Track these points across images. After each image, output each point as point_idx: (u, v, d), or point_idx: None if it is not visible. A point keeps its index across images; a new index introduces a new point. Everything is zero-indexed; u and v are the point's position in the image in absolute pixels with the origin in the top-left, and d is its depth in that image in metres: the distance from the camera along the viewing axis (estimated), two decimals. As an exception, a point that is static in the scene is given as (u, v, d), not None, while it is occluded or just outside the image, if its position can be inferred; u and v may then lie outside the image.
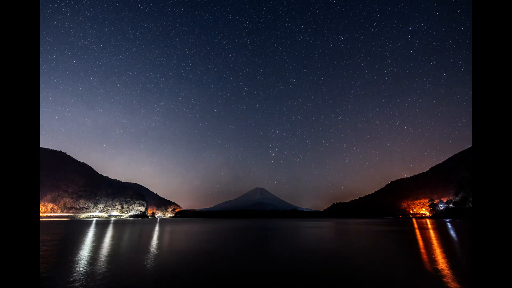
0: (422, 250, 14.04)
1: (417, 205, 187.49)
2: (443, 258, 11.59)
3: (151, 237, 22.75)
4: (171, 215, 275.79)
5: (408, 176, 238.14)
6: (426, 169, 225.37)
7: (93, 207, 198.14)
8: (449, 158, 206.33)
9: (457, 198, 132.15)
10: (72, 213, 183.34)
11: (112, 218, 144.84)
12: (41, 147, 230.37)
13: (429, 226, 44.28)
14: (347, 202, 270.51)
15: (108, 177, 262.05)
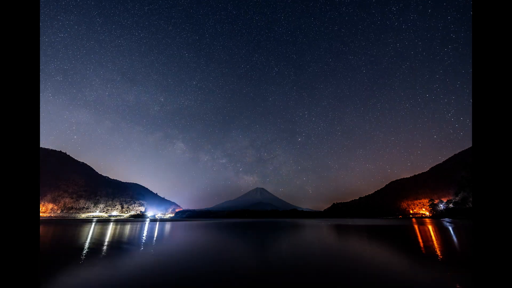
0: (422, 250, 14.03)
1: (417, 205, 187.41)
2: (443, 258, 11.59)
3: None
4: (171, 215, 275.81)
5: (408, 176, 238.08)
6: (426, 169, 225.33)
7: (93, 207, 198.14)
8: (449, 158, 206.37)
9: (457, 198, 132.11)
10: (72, 213, 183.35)
11: (112, 218, 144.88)
12: (41, 147, 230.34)
13: (429, 226, 44.29)
14: (347, 202, 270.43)
15: (108, 177, 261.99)
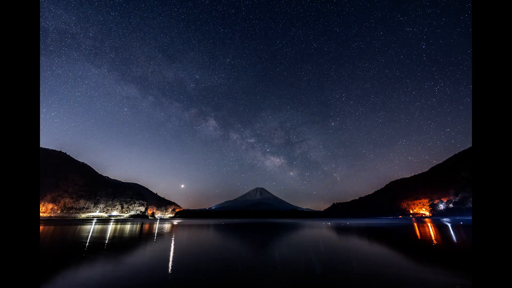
0: (422, 250, 14.03)
1: (417, 205, 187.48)
2: (442, 258, 11.59)
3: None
4: (171, 215, 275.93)
5: (408, 176, 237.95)
6: (426, 169, 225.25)
7: (93, 207, 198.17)
8: (449, 158, 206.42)
9: (457, 198, 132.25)
10: (72, 213, 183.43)
11: (112, 218, 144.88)
12: (41, 147, 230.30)
13: (429, 226, 44.28)
14: (347, 202, 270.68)
15: (108, 177, 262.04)
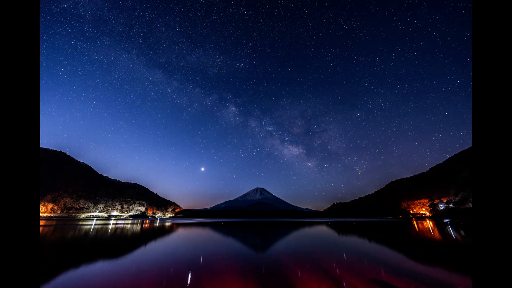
0: (422, 250, 14.02)
1: (417, 205, 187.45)
2: (443, 258, 11.59)
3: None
4: (171, 215, 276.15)
5: (408, 176, 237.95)
6: (426, 169, 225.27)
7: (93, 207, 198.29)
8: (449, 158, 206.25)
9: (457, 198, 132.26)
10: (72, 213, 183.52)
11: (112, 218, 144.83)
12: (41, 147, 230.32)
13: (429, 226, 44.28)
14: (347, 202, 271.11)
15: (108, 177, 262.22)
